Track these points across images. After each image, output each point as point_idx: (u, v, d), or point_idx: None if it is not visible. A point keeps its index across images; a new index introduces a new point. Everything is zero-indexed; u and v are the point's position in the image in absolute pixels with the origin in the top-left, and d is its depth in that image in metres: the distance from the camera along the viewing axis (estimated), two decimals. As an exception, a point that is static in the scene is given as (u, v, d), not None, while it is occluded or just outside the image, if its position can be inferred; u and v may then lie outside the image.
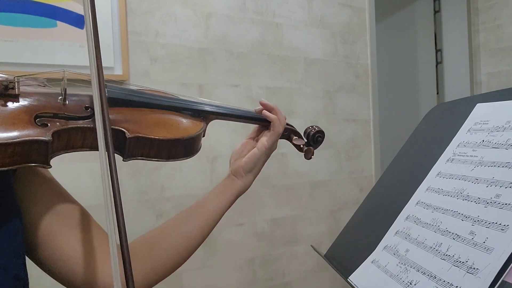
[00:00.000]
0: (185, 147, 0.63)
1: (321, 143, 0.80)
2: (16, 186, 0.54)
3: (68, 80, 0.57)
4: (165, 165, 1.57)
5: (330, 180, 2.03)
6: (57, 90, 0.57)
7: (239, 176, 0.70)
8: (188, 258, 0.67)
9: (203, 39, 1.69)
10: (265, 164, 0.73)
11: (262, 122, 0.75)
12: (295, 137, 0.78)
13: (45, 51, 1.36)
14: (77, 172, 1.40)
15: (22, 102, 0.52)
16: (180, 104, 0.67)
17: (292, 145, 0.79)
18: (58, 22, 1.37)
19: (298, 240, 1.94)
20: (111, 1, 1.46)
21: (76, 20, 1.40)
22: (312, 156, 0.78)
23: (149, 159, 0.59)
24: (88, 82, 0.51)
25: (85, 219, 0.59)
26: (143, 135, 0.57)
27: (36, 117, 0.51)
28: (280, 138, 0.77)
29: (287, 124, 0.78)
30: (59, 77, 0.56)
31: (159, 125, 0.62)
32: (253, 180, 0.72)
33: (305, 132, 0.80)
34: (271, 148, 0.71)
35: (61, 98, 0.55)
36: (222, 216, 0.70)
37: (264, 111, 0.72)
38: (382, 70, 2.37)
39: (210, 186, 1.67)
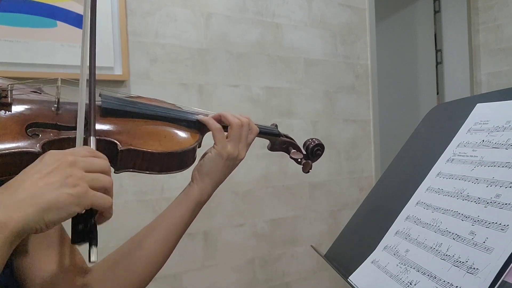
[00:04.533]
0: (179, 160, 0.61)
1: (320, 156, 0.79)
2: None
3: (63, 84, 0.56)
4: (165, 166, 1.57)
5: (330, 181, 2.03)
6: (51, 98, 0.56)
7: (195, 180, 0.67)
8: (154, 274, 0.64)
9: (203, 40, 1.69)
10: (231, 171, 0.69)
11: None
12: (293, 151, 0.77)
13: (45, 51, 1.36)
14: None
15: (14, 111, 0.51)
16: (176, 115, 0.65)
17: (291, 159, 0.78)
18: (58, 22, 1.37)
19: (298, 240, 1.94)
20: (111, 1, 1.46)
21: (76, 20, 1.40)
22: (310, 170, 0.77)
23: (141, 171, 0.58)
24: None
25: (63, 237, 0.59)
26: (135, 148, 0.56)
27: (28, 127, 0.50)
28: (279, 151, 0.77)
29: (286, 137, 0.77)
30: (54, 83, 0.55)
31: (153, 137, 0.60)
32: (213, 187, 0.68)
33: (304, 145, 0.79)
34: (224, 151, 0.66)
35: (54, 107, 0.54)
36: (184, 228, 0.66)
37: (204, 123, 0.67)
38: (382, 70, 2.37)
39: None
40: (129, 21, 1.52)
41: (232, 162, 0.68)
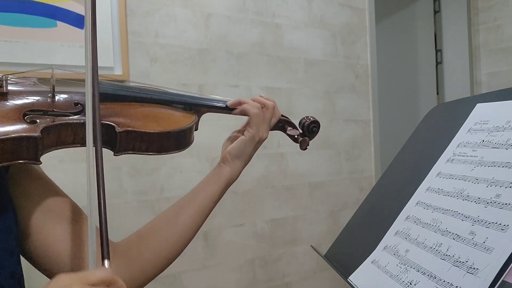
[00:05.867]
0: (176, 140, 0.62)
1: (316, 133, 0.80)
2: (9, 184, 0.55)
3: (58, 79, 0.56)
4: (165, 165, 1.57)
5: (330, 181, 2.03)
6: (46, 88, 0.57)
7: (227, 162, 0.70)
8: (178, 254, 0.66)
9: (202, 40, 1.69)
10: (255, 153, 0.73)
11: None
12: (289, 128, 0.78)
13: (45, 51, 1.36)
14: (75, 171, 1.40)
15: (11, 100, 0.52)
16: (170, 98, 0.67)
17: (287, 136, 0.79)
18: (58, 22, 1.37)
19: (298, 240, 1.94)
20: (111, 2, 1.46)
21: (76, 20, 1.40)
22: (307, 147, 0.78)
23: (140, 153, 0.59)
24: (78, 80, 0.51)
25: (76, 213, 0.59)
26: (133, 129, 0.57)
27: (25, 114, 0.51)
28: (274, 129, 0.77)
29: (282, 115, 0.78)
30: (48, 76, 0.56)
31: (149, 118, 0.61)
32: (242, 167, 0.72)
33: (300, 123, 0.80)
34: (257, 134, 0.70)
35: (50, 96, 0.55)
36: (213, 205, 0.69)
37: (236, 109, 0.72)
38: (382, 70, 2.37)
39: (210, 187, 1.67)
40: (129, 21, 1.52)
41: (259, 144, 0.72)
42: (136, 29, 1.54)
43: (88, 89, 0.47)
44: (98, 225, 0.43)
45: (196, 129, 0.68)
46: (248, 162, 0.73)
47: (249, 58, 1.81)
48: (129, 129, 0.56)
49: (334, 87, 2.06)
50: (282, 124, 0.79)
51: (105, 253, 0.41)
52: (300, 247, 1.94)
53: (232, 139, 0.73)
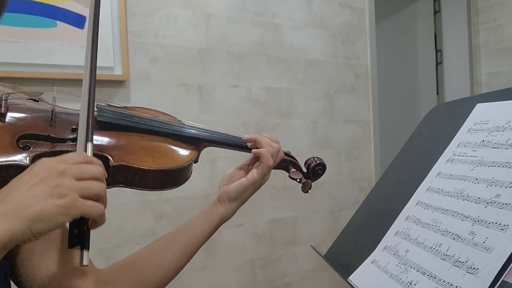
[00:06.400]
0: (173, 178, 0.60)
1: (321, 176, 0.77)
2: None
3: (59, 92, 0.55)
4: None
5: (330, 181, 2.03)
6: (48, 107, 0.55)
7: (222, 202, 0.68)
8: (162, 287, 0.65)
9: (202, 40, 1.69)
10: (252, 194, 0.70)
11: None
12: (292, 170, 0.75)
13: (45, 51, 1.36)
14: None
15: (7, 121, 0.50)
16: (172, 131, 0.63)
17: (290, 178, 0.75)
18: (58, 22, 1.37)
19: (298, 241, 1.94)
20: (111, 2, 1.46)
21: (76, 20, 1.40)
22: (310, 190, 0.74)
23: (132, 187, 0.57)
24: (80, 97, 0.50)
25: (65, 240, 0.59)
26: (128, 164, 0.55)
27: (19, 138, 0.49)
28: (278, 169, 0.74)
29: (287, 154, 0.75)
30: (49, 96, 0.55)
31: (147, 152, 0.59)
32: (237, 209, 0.69)
33: (305, 163, 0.77)
34: (261, 180, 0.69)
35: (49, 118, 0.53)
36: (201, 243, 0.67)
37: (253, 149, 0.69)
38: (382, 70, 2.37)
39: (210, 188, 1.67)
40: (129, 21, 1.52)
41: (259, 188, 0.71)
42: (136, 29, 1.54)
43: (82, 120, 0.48)
44: None
45: (196, 162, 0.65)
46: (244, 203, 0.70)
47: (249, 58, 1.81)
48: (124, 163, 0.54)
49: (334, 87, 2.06)
50: (286, 165, 0.76)
51: (88, 136, 0.47)
52: (300, 247, 1.94)
53: (232, 178, 0.70)
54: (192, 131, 0.66)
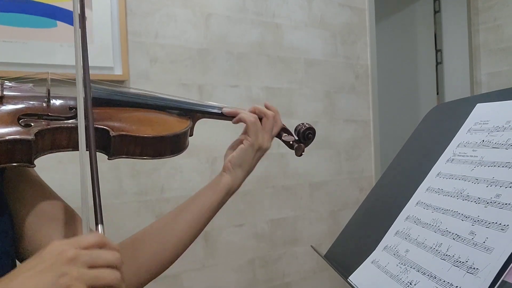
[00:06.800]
0: (171, 144, 0.63)
1: (312, 139, 0.80)
2: (4, 188, 0.55)
3: (53, 81, 0.57)
4: (165, 166, 1.57)
5: (330, 181, 2.02)
6: (42, 92, 0.57)
7: (228, 170, 0.71)
8: (174, 260, 0.66)
9: (202, 40, 1.69)
10: (258, 161, 0.73)
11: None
12: (284, 134, 0.78)
13: (45, 51, 1.36)
14: (73, 172, 1.40)
15: (6, 104, 0.52)
16: (165, 103, 0.68)
17: (283, 143, 0.79)
18: (58, 22, 1.37)
19: (298, 240, 1.94)
20: (111, 2, 1.46)
21: (76, 21, 1.40)
22: (303, 153, 0.79)
23: (134, 157, 0.59)
24: (74, 83, 0.51)
25: (69, 216, 0.60)
26: (127, 133, 0.57)
27: (20, 118, 0.51)
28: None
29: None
30: (44, 77, 0.56)
31: (144, 123, 0.62)
32: (244, 177, 0.72)
33: (295, 130, 0.80)
34: (255, 142, 0.71)
35: (45, 100, 0.55)
36: (213, 213, 0.69)
37: (235, 117, 0.73)
38: (382, 70, 2.37)
39: (210, 187, 1.67)
40: (129, 21, 1.52)
41: (261, 153, 0.73)
42: (136, 29, 1.54)
43: (79, 93, 0.48)
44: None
45: (191, 135, 0.68)
46: (251, 171, 0.73)
47: (249, 58, 1.80)
48: (123, 133, 0.57)
49: (334, 87, 2.06)
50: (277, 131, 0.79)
51: (98, 218, 0.44)
52: (300, 247, 1.94)
53: (234, 147, 0.73)
54: (184, 103, 0.70)
